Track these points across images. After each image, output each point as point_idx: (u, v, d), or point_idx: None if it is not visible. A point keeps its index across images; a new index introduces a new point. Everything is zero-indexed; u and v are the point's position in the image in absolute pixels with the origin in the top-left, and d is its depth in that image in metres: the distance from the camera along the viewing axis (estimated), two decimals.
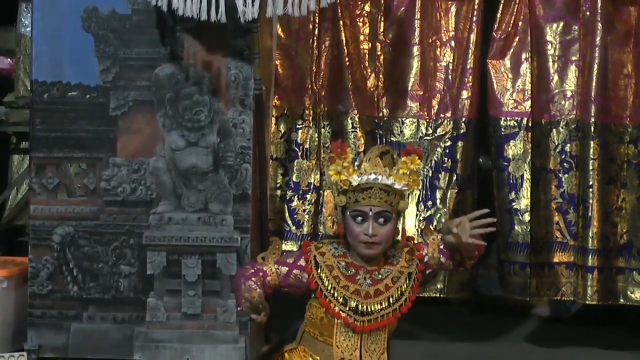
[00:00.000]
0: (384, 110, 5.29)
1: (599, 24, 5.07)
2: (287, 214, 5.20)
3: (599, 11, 5.07)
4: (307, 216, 5.19)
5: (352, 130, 5.23)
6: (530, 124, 5.16)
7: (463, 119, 5.21)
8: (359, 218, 3.20)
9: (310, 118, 5.23)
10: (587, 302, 5.11)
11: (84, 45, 4.38)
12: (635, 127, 5.16)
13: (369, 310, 3.24)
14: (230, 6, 4.05)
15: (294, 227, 5.19)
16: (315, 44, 5.21)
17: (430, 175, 5.22)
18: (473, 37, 5.20)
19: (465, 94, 5.20)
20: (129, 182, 4.40)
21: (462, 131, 5.21)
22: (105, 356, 4.40)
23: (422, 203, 5.22)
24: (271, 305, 3.27)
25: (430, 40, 5.29)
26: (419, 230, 5.07)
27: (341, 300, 3.23)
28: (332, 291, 3.24)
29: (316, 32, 5.20)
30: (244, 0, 4.05)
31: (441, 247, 3.31)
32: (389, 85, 5.29)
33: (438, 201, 5.22)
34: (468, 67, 5.19)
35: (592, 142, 5.07)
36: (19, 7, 6.37)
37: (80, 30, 4.38)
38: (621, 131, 5.16)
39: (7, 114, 6.19)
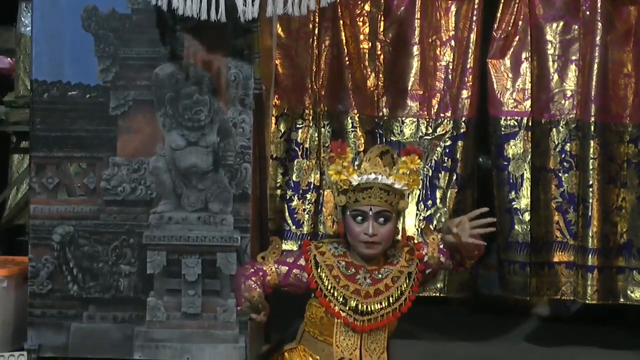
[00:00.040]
0: (384, 109, 5.29)
1: (599, 24, 5.07)
2: (287, 214, 5.20)
3: (599, 10, 5.07)
4: (307, 216, 5.19)
5: (352, 129, 5.23)
6: (530, 124, 5.16)
7: (463, 119, 5.21)
8: (359, 218, 3.20)
9: (310, 117, 5.23)
10: (587, 302, 5.11)
11: (84, 44, 4.38)
12: (635, 127, 5.16)
13: (369, 309, 3.24)
14: (230, 6, 4.05)
15: (294, 227, 5.19)
16: (315, 43, 5.21)
17: (430, 174, 5.22)
18: (473, 36, 5.20)
19: (465, 93, 5.20)
20: (129, 182, 4.40)
21: (462, 131, 5.21)
22: (105, 356, 4.40)
23: (422, 202, 5.22)
24: (271, 304, 3.27)
25: (430, 40, 5.29)
26: (419, 229, 5.07)
27: (341, 299, 3.23)
28: (332, 291, 3.24)
29: (316, 31, 5.20)
30: None
31: (441, 246, 3.31)
32: (389, 85, 5.29)
33: (438, 201, 5.22)
34: (468, 66, 5.19)
35: (592, 142, 5.07)
36: (19, 6, 6.37)
37: (80, 29, 4.38)
38: (621, 130, 5.16)
39: (7, 113, 6.19)
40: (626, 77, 5.16)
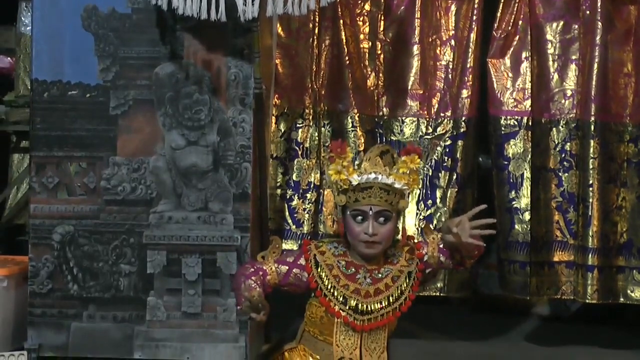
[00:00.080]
0: (384, 109, 5.29)
1: (599, 23, 5.07)
2: (287, 213, 5.20)
3: (599, 10, 5.07)
4: (307, 215, 5.19)
5: (352, 129, 5.23)
6: (530, 123, 5.16)
7: (463, 118, 5.21)
8: (359, 217, 3.20)
9: (311, 117, 5.22)
10: (587, 301, 5.11)
11: (84, 44, 4.38)
12: (635, 126, 5.17)
13: (369, 309, 3.24)
14: (230, 5, 4.05)
15: (294, 226, 5.19)
16: (315, 43, 5.21)
17: (430, 174, 5.22)
18: (473, 36, 5.20)
19: (465, 93, 5.20)
20: (129, 181, 4.40)
21: (462, 130, 5.21)
22: (106, 355, 4.41)
23: (422, 202, 5.22)
24: (271, 304, 3.27)
25: (430, 39, 5.29)
26: (419, 229, 5.07)
27: (341, 299, 3.23)
28: (332, 290, 3.24)
29: (316, 31, 5.20)
30: None
31: (441, 246, 3.31)
32: (389, 84, 5.29)
33: (438, 200, 5.22)
34: (468, 66, 5.19)
35: (592, 141, 5.07)
36: (19, 6, 6.37)
37: (80, 29, 4.38)
38: (621, 130, 5.17)
39: (7, 112, 6.19)
40: (626, 76, 5.16)
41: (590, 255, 5.04)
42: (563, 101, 5.20)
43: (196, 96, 4.37)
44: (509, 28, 5.21)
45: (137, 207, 4.39)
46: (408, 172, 3.23)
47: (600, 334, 5.67)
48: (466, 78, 5.19)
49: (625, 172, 5.16)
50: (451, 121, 5.23)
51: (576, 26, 5.18)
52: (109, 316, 4.40)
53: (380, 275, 3.27)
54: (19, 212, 6.20)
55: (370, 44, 5.28)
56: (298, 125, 5.23)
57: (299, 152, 5.22)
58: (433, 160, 5.23)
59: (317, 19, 5.18)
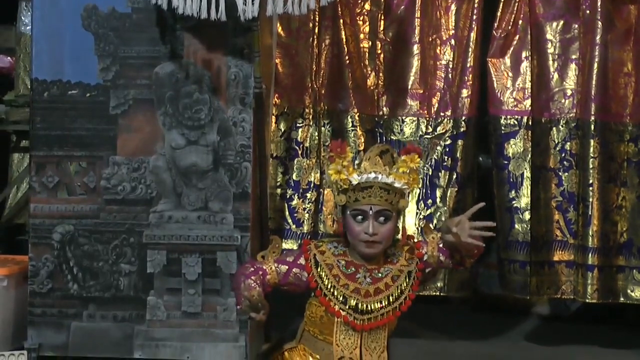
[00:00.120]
0: (384, 108, 5.29)
1: (599, 23, 5.07)
2: (287, 213, 5.20)
3: (599, 9, 5.07)
4: (307, 215, 5.19)
5: (352, 128, 5.23)
6: (530, 123, 5.16)
7: (463, 118, 5.21)
8: (359, 217, 3.20)
9: (311, 116, 5.22)
10: (587, 301, 5.11)
11: (84, 43, 4.38)
12: (635, 126, 5.16)
13: (369, 308, 3.24)
14: (230, 4, 4.05)
15: (294, 226, 5.19)
16: (315, 42, 5.21)
17: (430, 173, 5.22)
18: (473, 35, 5.19)
19: (465, 92, 5.20)
20: (129, 181, 4.40)
21: (462, 130, 5.20)
22: (106, 354, 4.41)
23: (422, 202, 5.22)
24: (271, 303, 3.27)
25: (430, 39, 5.29)
26: (419, 228, 5.07)
27: (341, 298, 3.24)
28: (331, 290, 3.24)
29: (316, 30, 5.20)
30: None
31: (441, 245, 3.31)
32: (389, 84, 5.29)
33: (438, 200, 5.22)
34: (468, 65, 5.19)
35: (592, 141, 5.07)
36: (19, 5, 6.37)
37: (80, 28, 4.38)
38: (621, 129, 5.16)
39: (7, 112, 6.18)
40: (626, 76, 5.16)
41: (590, 255, 5.04)
42: (563, 101, 5.20)
43: (196, 95, 4.37)
44: (509, 27, 5.21)
45: (137, 207, 4.39)
46: (408, 171, 3.23)
47: (600, 333, 5.67)
48: (466, 77, 5.19)
49: (625, 171, 5.16)
50: (451, 121, 5.23)
51: (576, 26, 5.18)
52: (109, 316, 4.40)
53: (380, 274, 3.27)
54: (19, 212, 6.20)
55: (370, 43, 5.28)
56: (298, 124, 5.23)
57: (299, 152, 5.22)
58: (433, 160, 5.23)
59: (317, 19, 5.18)
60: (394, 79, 5.29)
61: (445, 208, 5.19)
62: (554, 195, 5.20)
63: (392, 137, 5.26)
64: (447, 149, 5.21)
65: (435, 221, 5.13)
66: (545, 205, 5.19)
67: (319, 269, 3.26)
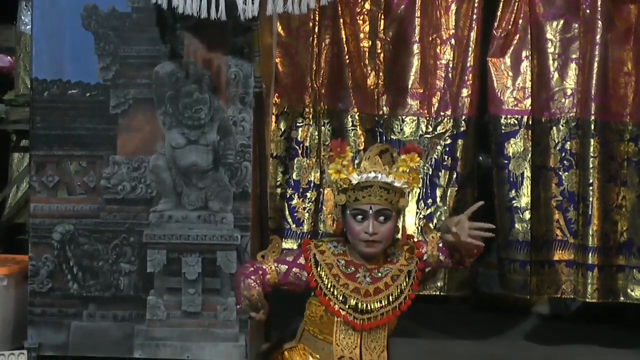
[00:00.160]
0: (384, 108, 5.29)
1: (599, 22, 5.07)
2: (287, 212, 5.20)
3: (599, 9, 5.07)
4: (307, 214, 5.19)
5: (352, 128, 5.23)
6: (530, 122, 5.16)
7: (463, 117, 5.21)
8: (359, 216, 3.20)
9: (311, 116, 5.22)
10: (587, 300, 5.10)
11: (84, 43, 4.38)
12: (636, 125, 5.16)
13: (369, 308, 3.24)
14: (230, 4, 4.05)
15: (294, 225, 5.18)
16: (315, 41, 5.20)
17: (430, 173, 5.22)
18: (473, 35, 5.19)
19: (465, 92, 5.20)
20: (129, 180, 4.40)
21: (462, 129, 5.20)
22: (106, 354, 4.41)
23: (422, 201, 5.22)
24: (271, 303, 3.27)
25: (431, 38, 5.28)
26: (419, 228, 5.07)
27: (341, 298, 3.24)
28: (331, 289, 3.24)
29: (316, 30, 5.20)
30: None
31: (440, 245, 3.31)
32: (389, 83, 5.29)
33: (438, 199, 5.22)
34: (468, 65, 5.19)
35: (592, 140, 5.07)
36: (19, 5, 6.37)
37: (80, 28, 4.38)
38: (621, 129, 5.16)
39: (7, 112, 6.19)
40: (626, 75, 5.16)
41: (590, 254, 5.04)
42: (563, 100, 5.20)
43: (196, 95, 4.37)
44: (509, 27, 5.21)
45: (137, 206, 4.39)
46: (408, 170, 3.23)
47: (600, 333, 5.67)
48: (466, 77, 5.19)
49: (626, 171, 5.16)
50: (451, 120, 5.23)
51: (576, 25, 5.18)
52: (109, 315, 4.40)
53: (380, 274, 3.27)
54: (19, 211, 6.20)
55: (370, 42, 5.28)
56: (298, 124, 5.23)
57: (299, 151, 5.22)
58: (433, 159, 5.22)
59: (317, 18, 5.18)
60: (394, 78, 5.29)
61: (445, 208, 5.19)
62: (554, 194, 5.20)
63: (392, 137, 5.26)
64: (447, 149, 5.21)
65: (435, 221, 5.13)
66: (545, 205, 5.19)
67: (318, 269, 3.26)
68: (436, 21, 5.28)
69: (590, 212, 5.04)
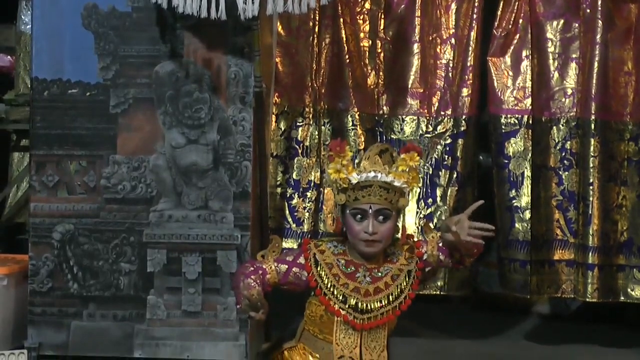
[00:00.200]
0: (384, 107, 5.29)
1: (599, 22, 5.07)
2: (287, 212, 5.20)
3: (599, 9, 5.07)
4: (307, 214, 5.19)
5: (352, 127, 5.23)
6: (530, 122, 5.16)
7: (463, 117, 5.21)
8: (359, 216, 3.20)
9: (311, 115, 5.22)
10: (588, 300, 5.11)
11: (84, 42, 4.38)
12: (636, 125, 5.16)
13: (369, 307, 3.24)
14: (230, 3, 4.05)
15: (294, 225, 5.18)
16: (315, 41, 5.20)
17: (430, 172, 5.22)
18: (473, 34, 5.19)
19: (465, 91, 5.20)
20: (129, 180, 4.40)
21: (462, 129, 5.20)
22: (106, 354, 4.41)
23: (422, 201, 5.22)
24: (271, 303, 3.27)
25: (431, 38, 5.28)
26: (419, 227, 5.07)
27: (341, 297, 3.23)
28: (331, 289, 3.24)
29: (316, 29, 5.20)
30: None
31: (440, 244, 3.31)
32: (389, 83, 5.29)
33: (438, 199, 5.22)
34: (468, 64, 5.19)
35: (592, 140, 5.07)
36: (19, 4, 6.37)
37: (80, 27, 4.38)
38: (621, 129, 5.16)
39: (7, 111, 6.18)
40: (626, 75, 5.16)
41: (590, 254, 5.04)
42: (563, 100, 5.20)
43: (196, 95, 4.37)
44: (510, 26, 5.21)
45: (137, 206, 4.39)
46: (407, 170, 3.23)
47: (600, 332, 5.67)
48: (466, 76, 5.19)
49: (626, 170, 5.16)
50: (451, 120, 5.23)
51: (576, 24, 5.18)
52: (109, 315, 4.40)
53: (379, 273, 3.27)
54: (19, 211, 6.20)
55: (370, 42, 5.28)
56: (298, 123, 5.23)
57: (299, 151, 5.22)
58: (433, 159, 5.22)
59: (317, 18, 5.18)
60: (394, 77, 5.29)
61: (446, 207, 5.19)
62: (554, 194, 5.20)
63: (392, 136, 5.26)
64: (448, 148, 5.21)
65: (435, 220, 5.13)
66: (545, 204, 5.19)
67: (318, 268, 3.26)
68: (436, 21, 5.28)
69: (590, 212, 5.04)
